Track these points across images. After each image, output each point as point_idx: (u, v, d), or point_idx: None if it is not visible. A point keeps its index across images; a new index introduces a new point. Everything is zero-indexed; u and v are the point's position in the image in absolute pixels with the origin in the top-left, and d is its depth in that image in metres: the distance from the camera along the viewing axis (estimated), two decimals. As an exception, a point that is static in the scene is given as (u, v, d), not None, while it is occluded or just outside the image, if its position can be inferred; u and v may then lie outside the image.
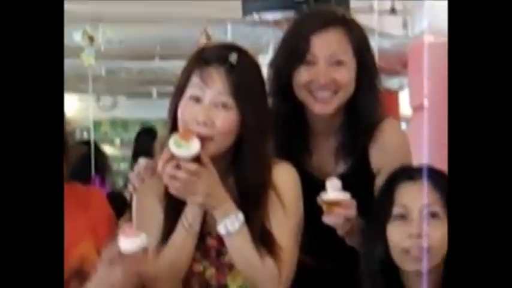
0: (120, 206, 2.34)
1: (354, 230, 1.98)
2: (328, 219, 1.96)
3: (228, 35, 5.25)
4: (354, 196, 1.95)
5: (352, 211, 1.95)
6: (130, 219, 1.98)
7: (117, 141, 10.67)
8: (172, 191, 1.83)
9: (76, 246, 1.92)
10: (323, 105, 2.09)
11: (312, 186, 1.98)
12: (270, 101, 2.08)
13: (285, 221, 1.92)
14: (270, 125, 1.99)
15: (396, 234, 1.88)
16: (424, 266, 1.80)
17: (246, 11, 4.43)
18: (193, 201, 1.85)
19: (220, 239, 1.92)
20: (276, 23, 4.24)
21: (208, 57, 1.89)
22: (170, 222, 1.91)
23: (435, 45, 3.12)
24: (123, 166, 10.00)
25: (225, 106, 1.85)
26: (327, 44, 2.09)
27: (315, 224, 1.95)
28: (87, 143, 4.55)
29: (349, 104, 2.12)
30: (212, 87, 1.85)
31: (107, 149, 10.01)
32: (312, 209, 1.97)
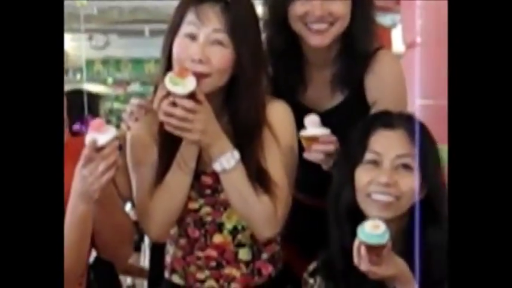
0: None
1: None
2: (307, 155, 1.96)
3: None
4: (349, 128, 1.95)
5: (330, 146, 1.94)
6: (125, 158, 1.98)
7: (110, 80, 10.63)
8: (168, 128, 1.82)
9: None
10: (319, 37, 2.08)
11: None
12: (265, 34, 2.07)
13: (279, 158, 1.93)
14: (264, 63, 1.99)
15: (363, 178, 1.85)
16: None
17: None
18: (189, 138, 1.84)
19: (215, 177, 1.93)
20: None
21: None
22: (165, 161, 1.92)
23: (427, -18, 3.09)
24: (116, 105, 9.99)
25: (220, 43, 1.85)
26: None
27: (310, 161, 1.96)
28: (79, 92, 4.53)
29: (345, 34, 2.11)
30: (208, 25, 1.84)
31: (100, 88, 9.99)
32: None
